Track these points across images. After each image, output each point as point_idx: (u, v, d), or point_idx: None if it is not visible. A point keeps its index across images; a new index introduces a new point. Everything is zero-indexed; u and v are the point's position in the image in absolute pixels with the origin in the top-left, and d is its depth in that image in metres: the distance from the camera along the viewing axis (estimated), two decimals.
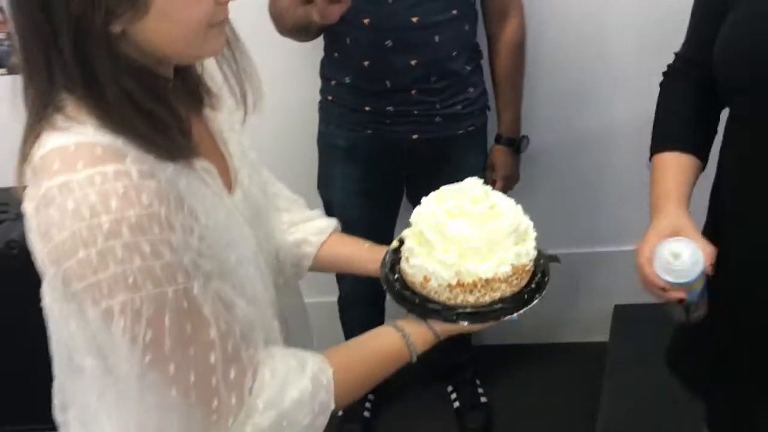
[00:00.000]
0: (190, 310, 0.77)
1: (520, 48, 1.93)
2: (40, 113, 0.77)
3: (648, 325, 1.83)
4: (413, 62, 1.75)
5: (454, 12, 1.76)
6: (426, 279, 1.00)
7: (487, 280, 0.98)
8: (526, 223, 1.03)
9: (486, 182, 2.02)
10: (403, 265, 1.05)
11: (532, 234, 1.03)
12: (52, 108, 0.77)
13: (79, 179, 0.73)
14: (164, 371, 0.78)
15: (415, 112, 1.84)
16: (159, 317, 0.76)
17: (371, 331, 1.00)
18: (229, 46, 0.92)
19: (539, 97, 2.12)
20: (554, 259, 1.07)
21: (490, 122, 2.01)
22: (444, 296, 1.00)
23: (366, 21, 1.72)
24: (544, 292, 1.02)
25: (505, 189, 2.04)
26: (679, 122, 1.20)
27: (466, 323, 0.99)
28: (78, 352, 0.83)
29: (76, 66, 0.74)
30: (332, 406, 0.88)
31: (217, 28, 0.82)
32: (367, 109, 1.84)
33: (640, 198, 2.09)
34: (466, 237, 0.98)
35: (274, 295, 1.04)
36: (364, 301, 2.15)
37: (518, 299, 1.00)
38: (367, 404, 2.33)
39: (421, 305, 1.00)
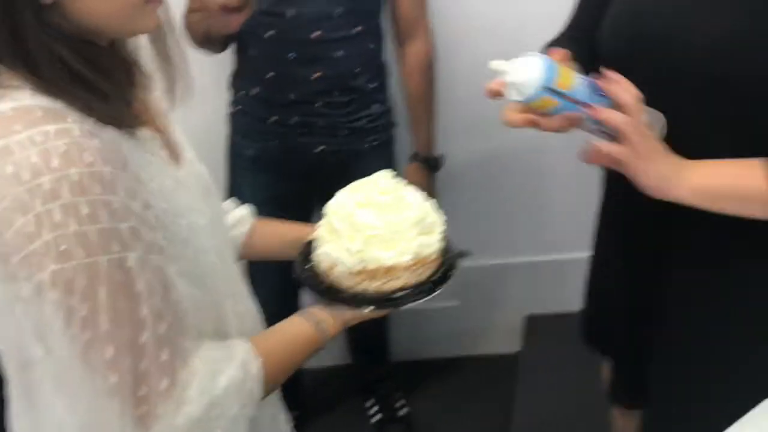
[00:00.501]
0: (123, 282, 0.74)
1: (427, 68, 1.99)
2: None
3: (558, 335, 1.92)
4: (316, 75, 1.82)
5: (358, 29, 1.82)
6: (332, 266, 1.05)
7: (389, 268, 1.03)
8: (435, 217, 1.08)
9: None
10: (315, 253, 1.09)
11: (440, 228, 1.09)
12: None
13: (19, 139, 0.71)
14: (102, 353, 0.74)
15: (321, 124, 1.90)
16: (92, 290, 0.73)
17: (286, 320, 1.03)
18: (162, 31, 0.93)
19: (455, 115, 2.19)
20: (464, 254, 1.12)
21: (403, 139, 2.07)
22: (349, 283, 1.04)
23: (269, 34, 1.77)
24: (446, 284, 1.07)
25: None
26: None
27: (367, 309, 1.04)
28: (25, 343, 0.78)
29: (4, 34, 0.73)
30: (260, 396, 0.89)
31: (152, 4, 0.84)
32: (273, 119, 1.89)
33: (545, 212, 2.19)
34: (371, 225, 1.03)
35: (236, 271, 1.05)
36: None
37: (419, 289, 1.05)
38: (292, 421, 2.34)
39: (326, 292, 1.05)
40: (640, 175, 1.05)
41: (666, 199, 1.06)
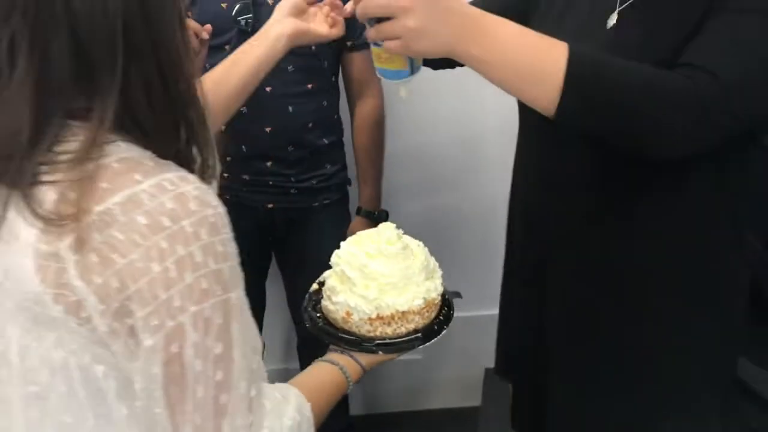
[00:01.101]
0: (244, 317, 0.79)
1: (377, 126, 2.10)
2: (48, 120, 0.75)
3: None
4: (268, 129, 1.89)
5: (310, 86, 1.91)
6: (348, 314, 1.13)
7: (403, 313, 1.13)
8: (434, 262, 1.20)
9: None
10: (325, 303, 1.18)
11: (439, 271, 1.20)
12: (61, 116, 0.76)
13: (146, 189, 0.72)
14: (234, 390, 0.77)
15: (270, 182, 1.96)
16: (227, 327, 0.76)
17: (313, 368, 1.10)
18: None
19: (401, 171, 2.30)
20: (457, 295, 1.24)
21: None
22: (364, 329, 1.13)
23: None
24: (450, 324, 1.18)
25: None
26: None
27: (385, 353, 1.13)
28: (100, 404, 0.79)
29: (150, 102, 0.77)
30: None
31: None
32: (225, 175, 1.95)
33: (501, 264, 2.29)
34: (384, 273, 1.13)
35: None
36: None
37: (429, 330, 1.16)
38: None
39: (344, 339, 1.13)
40: (419, 46, 0.99)
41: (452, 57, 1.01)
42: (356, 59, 2.00)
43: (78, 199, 0.72)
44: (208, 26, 1.53)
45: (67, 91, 0.75)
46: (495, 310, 2.30)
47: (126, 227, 0.71)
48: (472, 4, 1.09)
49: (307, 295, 1.24)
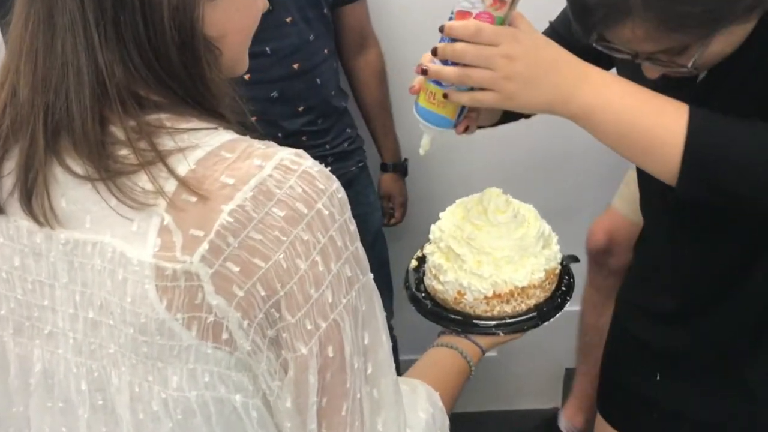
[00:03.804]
0: (380, 298, 0.78)
1: (384, 74, 2.16)
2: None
3: None
4: (300, 108, 1.91)
5: (326, 51, 1.95)
6: (460, 294, 1.10)
7: (522, 288, 1.10)
8: (548, 227, 1.16)
9: (384, 215, 2.20)
10: (431, 282, 1.15)
11: (554, 236, 1.17)
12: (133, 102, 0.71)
13: (272, 174, 0.69)
14: (384, 380, 0.76)
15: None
16: (371, 312, 0.75)
17: (430, 355, 1.09)
18: None
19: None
20: (574, 259, 1.20)
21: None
22: (480, 309, 1.10)
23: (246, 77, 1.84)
24: (573, 293, 1.15)
25: (403, 216, 2.28)
26: None
27: (503, 334, 1.11)
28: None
29: (194, 81, 0.74)
30: (448, 423, 0.93)
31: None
32: None
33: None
34: (497, 247, 1.10)
35: None
36: None
37: (552, 303, 1.13)
38: None
39: (459, 321, 1.10)
40: (521, 98, 0.97)
41: (557, 114, 0.99)
42: (357, 9, 2.04)
43: (202, 200, 0.68)
44: None
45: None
46: (576, 306, 2.30)
47: (263, 224, 0.67)
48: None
49: (405, 274, 1.21)
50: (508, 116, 1.24)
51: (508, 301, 1.10)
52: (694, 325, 1.24)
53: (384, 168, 2.23)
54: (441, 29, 0.99)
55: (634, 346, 1.36)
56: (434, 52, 0.99)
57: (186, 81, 0.73)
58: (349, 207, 0.73)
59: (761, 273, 1.13)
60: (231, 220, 0.66)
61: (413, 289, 1.19)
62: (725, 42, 0.94)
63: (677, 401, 1.30)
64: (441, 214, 1.18)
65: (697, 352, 1.25)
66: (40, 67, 0.71)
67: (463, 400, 1.06)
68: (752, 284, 1.14)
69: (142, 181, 0.69)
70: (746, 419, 1.23)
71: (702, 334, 1.23)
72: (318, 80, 1.91)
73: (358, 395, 0.73)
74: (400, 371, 0.90)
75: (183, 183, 0.68)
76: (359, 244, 0.74)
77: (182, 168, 0.69)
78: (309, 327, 0.69)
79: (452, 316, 1.12)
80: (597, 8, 0.91)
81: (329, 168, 0.73)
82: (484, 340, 1.11)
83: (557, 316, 1.12)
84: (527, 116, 1.25)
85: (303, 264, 0.68)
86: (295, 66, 1.85)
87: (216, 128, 0.73)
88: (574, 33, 0.97)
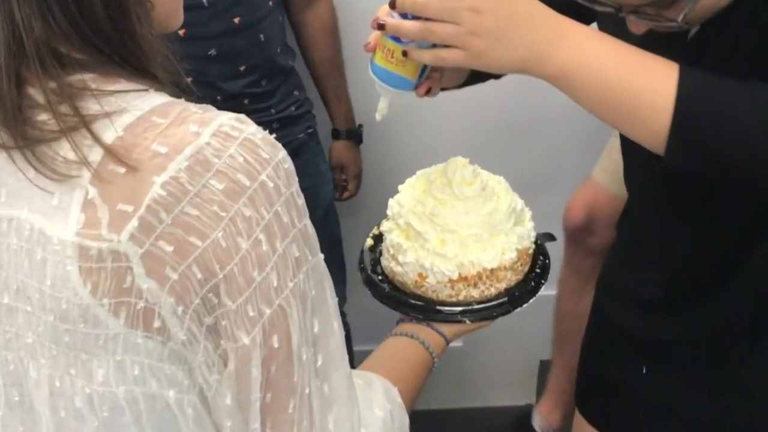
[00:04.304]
0: (331, 282, 0.79)
1: (336, 30, 2.17)
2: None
3: None
4: (242, 68, 1.91)
5: (270, 3, 1.95)
6: (422, 276, 1.12)
7: (492, 270, 1.12)
8: (520, 201, 1.19)
9: (336, 188, 2.21)
10: (388, 263, 1.17)
11: (528, 211, 1.20)
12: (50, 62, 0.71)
13: (210, 142, 0.69)
14: (335, 374, 0.77)
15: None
16: (322, 296, 0.76)
17: (388, 345, 1.10)
18: None
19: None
20: (549, 237, 1.23)
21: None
22: (444, 293, 1.12)
23: (181, 32, 1.83)
24: (548, 276, 1.18)
25: (357, 189, 2.30)
26: None
27: (468, 322, 1.12)
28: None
29: (124, 38, 0.74)
30: (408, 422, 0.95)
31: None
32: None
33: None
34: (464, 224, 1.12)
35: None
36: None
37: (524, 287, 1.16)
38: None
39: (421, 307, 1.12)
40: (489, 57, 0.98)
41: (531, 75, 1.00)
42: None
43: (131, 171, 0.67)
44: None
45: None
46: (552, 290, 2.32)
47: (200, 198, 0.68)
48: None
49: (360, 254, 1.23)
50: (476, 77, 1.24)
51: (475, 285, 1.12)
52: (684, 314, 1.26)
53: (336, 135, 2.24)
54: None
55: (618, 335, 1.38)
56: (392, 5, 1.00)
57: (113, 37, 0.73)
58: (296, 179, 0.74)
59: (761, 256, 1.14)
60: (164, 193, 0.66)
61: (369, 271, 1.20)
62: None
63: (666, 397, 1.31)
64: (400, 187, 1.19)
65: (689, 344, 1.27)
66: None
67: (426, 395, 1.08)
68: (750, 269, 1.15)
69: (64, 149, 0.69)
70: (742, 418, 1.25)
71: (694, 323, 1.25)
72: (261, 36, 1.91)
73: (307, 390, 0.74)
74: (354, 363, 0.92)
75: (109, 152, 0.68)
76: (308, 221, 0.75)
77: (109, 135, 0.69)
78: (251, 314, 0.70)
79: (413, 302, 1.13)
80: None
81: (274, 135, 0.73)
82: (448, 329, 1.12)
83: (531, 301, 1.14)
84: (497, 77, 1.26)
85: (245, 243, 0.69)
86: (236, 20, 1.84)
87: (147, 90, 0.74)
88: None
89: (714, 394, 1.27)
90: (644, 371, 1.34)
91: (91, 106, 0.70)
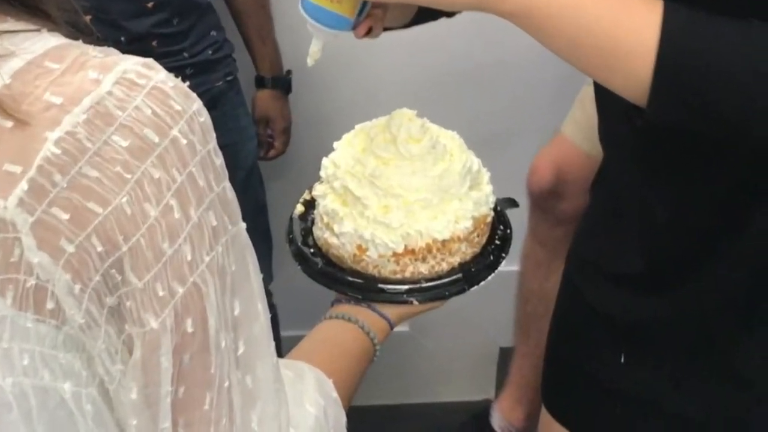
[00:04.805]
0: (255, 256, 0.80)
1: None
2: None
3: None
4: (149, 4, 1.91)
5: None
6: (361, 249, 1.14)
7: (444, 242, 1.13)
8: (477, 161, 1.20)
9: (260, 145, 2.22)
10: (322, 234, 1.18)
11: (486, 173, 1.21)
12: None
13: (112, 91, 0.68)
14: (261, 363, 0.79)
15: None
16: (244, 273, 0.77)
17: (321, 330, 1.11)
18: None
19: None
20: (511, 203, 1.24)
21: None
22: (388, 269, 1.14)
23: None
24: (509, 249, 1.19)
25: (285, 147, 2.32)
26: None
27: (416, 302, 1.14)
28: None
29: None
30: (345, 420, 0.97)
31: None
32: None
33: None
34: (410, 187, 1.13)
35: None
36: None
37: (482, 262, 1.18)
38: None
39: (361, 285, 1.14)
40: None
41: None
42: None
43: (20, 126, 0.67)
44: None
45: None
46: (514, 266, 2.34)
47: (100, 157, 0.67)
48: None
49: (289, 223, 1.24)
50: (424, 15, 1.23)
51: (424, 259, 1.13)
52: (670, 291, 1.26)
53: (260, 83, 2.25)
54: None
55: (592, 317, 1.38)
56: None
57: None
58: (214, 135, 0.74)
59: (759, 221, 1.14)
60: (58, 151, 0.66)
61: (299, 243, 1.21)
62: None
63: (648, 390, 1.32)
64: (335, 144, 1.19)
65: (675, 326, 1.28)
66: None
67: (367, 389, 1.09)
68: (746, 237, 1.16)
69: None
70: (738, 411, 1.26)
71: (681, 302, 1.25)
72: None
73: (226, 383, 0.75)
74: (281, 352, 0.92)
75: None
76: (228, 184, 0.75)
77: None
78: (161, 293, 0.70)
79: (350, 279, 1.14)
80: None
81: (188, 83, 0.73)
82: (392, 311, 1.13)
83: (489, 278, 1.16)
84: (449, 15, 1.26)
85: (153, 210, 0.69)
86: None
87: (39, 30, 0.73)
88: None
89: (705, 386, 1.28)
90: (623, 360, 1.35)
91: None
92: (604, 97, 1.26)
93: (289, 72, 2.26)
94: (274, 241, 2.22)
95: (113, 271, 0.69)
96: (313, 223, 1.22)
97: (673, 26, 0.94)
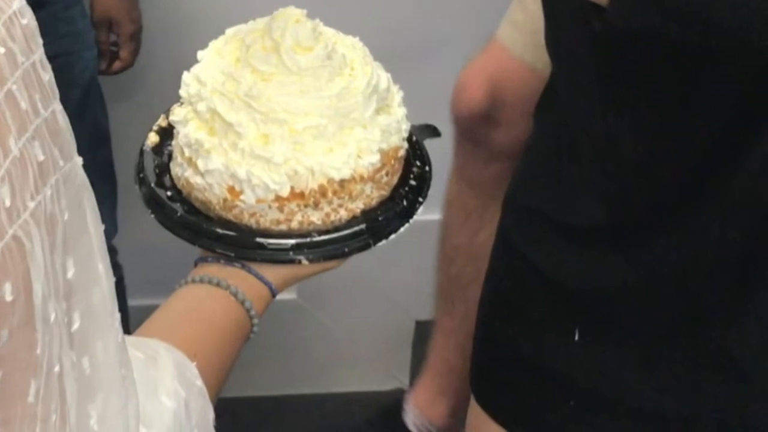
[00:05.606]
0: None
1: None
2: None
3: None
4: None
5: None
6: (234, 192, 1.14)
7: (342, 182, 1.14)
8: (386, 76, 1.21)
9: (101, 55, 2.24)
10: (183, 172, 1.18)
11: (397, 92, 1.22)
12: None
13: None
14: (102, 343, 0.80)
15: None
16: (80, 223, 0.78)
17: (180, 297, 1.12)
18: None
19: None
20: (431, 132, 1.25)
21: None
22: (269, 218, 1.15)
23: None
24: (428, 192, 1.21)
25: (134, 58, 2.35)
26: None
27: (308, 261, 1.15)
28: None
29: None
30: (212, 415, 0.98)
31: None
32: None
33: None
34: (299, 110, 1.13)
35: None
36: None
37: (392, 209, 1.19)
38: None
39: (233, 238, 1.14)
40: None
41: None
42: None
43: None
44: None
45: None
46: (435, 215, 2.35)
47: None
48: None
49: (139, 158, 1.24)
50: None
51: (316, 205, 1.14)
52: (639, 249, 1.27)
53: None
54: None
55: (536, 283, 1.41)
56: None
57: None
58: (41, 42, 0.74)
59: (757, 158, 1.14)
60: None
61: (152, 185, 1.21)
62: None
63: (609, 379, 1.34)
64: (200, 54, 1.19)
65: (646, 297, 1.29)
66: None
67: (243, 376, 1.10)
68: (741, 179, 1.16)
69: None
70: (731, 407, 1.29)
71: (654, 263, 1.27)
72: None
73: (57, 368, 0.75)
74: (129, 326, 0.93)
75: None
76: (59, 107, 0.75)
77: None
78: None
79: (220, 231, 1.15)
80: None
81: None
82: (274, 273, 1.14)
83: (401, 230, 1.17)
84: None
85: None
86: None
87: None
88: None
89: (685, 373, 1.30)
90: (576, 338, 1.36)
91: None
92: None
93: None
94: (119, 181, 2.21)
95: None
96: (170, 157, 1.22)
97: None
